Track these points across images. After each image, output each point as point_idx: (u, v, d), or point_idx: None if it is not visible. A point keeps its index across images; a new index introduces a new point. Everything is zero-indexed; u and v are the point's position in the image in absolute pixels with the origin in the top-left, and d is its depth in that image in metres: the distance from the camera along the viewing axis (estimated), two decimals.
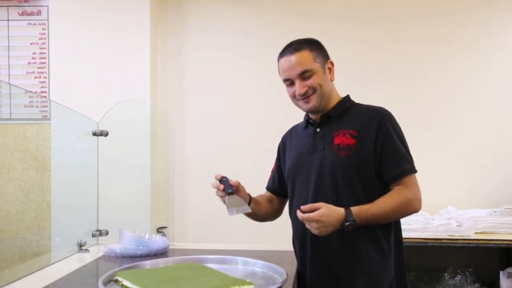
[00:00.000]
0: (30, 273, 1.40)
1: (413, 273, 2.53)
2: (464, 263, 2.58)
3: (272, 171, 1.57)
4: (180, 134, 2.79)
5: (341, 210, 1.19)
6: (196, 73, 2.78)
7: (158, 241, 1.74)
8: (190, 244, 1.98)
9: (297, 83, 1.29)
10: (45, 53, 2.55)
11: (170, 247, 1.82)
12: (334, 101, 1.36)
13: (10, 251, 2.13)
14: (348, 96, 1.42)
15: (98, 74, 2.56)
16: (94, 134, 2.04)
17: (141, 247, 1.68)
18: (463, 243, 2.20)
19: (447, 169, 2.68)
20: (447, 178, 2.66)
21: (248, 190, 1.45)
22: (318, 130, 1.35)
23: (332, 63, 1.37)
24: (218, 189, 1.30)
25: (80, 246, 1.79)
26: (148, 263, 1.34)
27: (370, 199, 1.27)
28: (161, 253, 1.69)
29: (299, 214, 1.19)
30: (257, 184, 1.64)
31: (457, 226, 2.32)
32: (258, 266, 1.30)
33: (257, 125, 2.77)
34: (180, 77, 2.79)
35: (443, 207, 2.59)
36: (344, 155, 1.25)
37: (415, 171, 1.31)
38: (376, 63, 2.73)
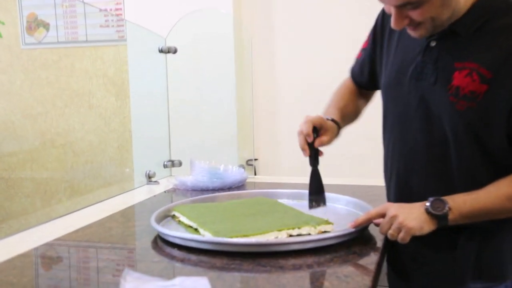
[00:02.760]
0: (88, 206, 1.39)
1: None
2: None
3: (361, 50, 1.20)
4: (268, 55, 2.59)
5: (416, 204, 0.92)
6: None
7: (234, 173, 1.65)
8: (274, 177, 1.89)
9: (393, 13, 0.89)
10: None
11: (250, 179, 1.75)
12: (465, 6, 0.91)
13: (96, 183, 2.16)
14: None
15: None
16: (165, 51, 1.91)
17: (214, 180, 1.60)
18: None
19: None
20: None
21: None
22: (433, 44, 0.95)
23: None
24: (304, 150, 1.04)
25: (149, 178, 1.74)
26: (212, 197, 1.30)
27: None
28: (237, 187, 1.61)
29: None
30: None
31: None
32: (342, 202, 1.20)
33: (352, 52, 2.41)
34: None
35: None
36: (465, 108, 0.89)
37: None
38: None
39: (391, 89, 1.05)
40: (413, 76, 0.97)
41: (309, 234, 0.94)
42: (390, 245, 1.00)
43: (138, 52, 1.90)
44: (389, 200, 1.08)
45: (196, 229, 1.01)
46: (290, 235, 0.94)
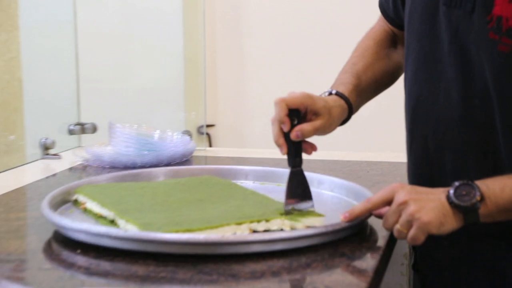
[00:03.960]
0: None
1: None
2: None
3: None
4: None
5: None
6: None
7: (174, 143, 1.63)
8: (234, 149, 1.99)
9: None
10: None
11: (200, 152, 1.76)
12: None
13: None
14: None
15: None
16: None
17: (145, 152, 1.57)
18: None
19: None
20: None
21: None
22: None
23: None
24: (279, 146, 1.02)
25: (46, 149, 1.70)
26: (136, 174, 1.29)
27: None
28: (179, 163, 1.59)
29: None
30: None
31: None
32: (327, 186, 1.21)
33: None
34: None
35: None
36: (510, 50, 0.95)
37: None
38: None
39: (415, 20, 1.08)
40: (443, 1, 1.01)
41: (281, 229, 0.94)
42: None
43: None
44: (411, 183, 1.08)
45: (112, 221, 0.99)
46: (254, 231, 0.93)
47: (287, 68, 2.64)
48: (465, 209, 0.87)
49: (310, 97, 1.02)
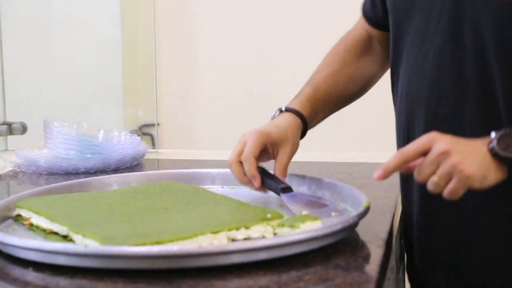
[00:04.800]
0: None
1: None
2: None
3: None
4: None
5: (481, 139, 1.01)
6: None
7: (123, 145, 1.68)
8: (187, 151, 2.04)
9: None
10: None
11: (150, 156, 1.82)
12: None
13: None
14: None
15: None
16: None
17: (88, 155, 1.62)
18: None
19: None
20: None
21: None
22: None
23: None
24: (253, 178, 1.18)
25: None
26: (84, 183, 1.31)
27: None
28: (130, 166, 1.65)
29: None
30: None
31: None
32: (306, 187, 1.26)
33: None
34: None
35: None
36: None
37: None
38: None
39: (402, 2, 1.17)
40: None
41: (263, 237, 0.97)
42: (409, 245, 1.09)
43: None
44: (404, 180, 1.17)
45: (65, 236, 1.01)
46: (233, 240, 0.96)
47: (238, 64, 2.70)
48: (511, 160, 0.96)
49: (264, 134, 1.16)
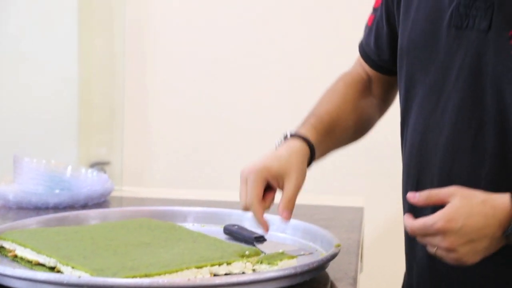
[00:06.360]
0: None
1: None
2: None
3: (373, 12, 1.32)
4: None
5: (501, 203, 0.97)
6: None
7: (91, 181, 1.69)
8: (153, 189, 2.03)
9: None
10: None
11: (116, 193, 1.79)
12: None
13: None
14: None
15: None
16: None
17: (57, 191, 1.62)
18: None
19: None
20: None
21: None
22: None
23: None
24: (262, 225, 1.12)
25: None
26: (65, 218, 1.32)
27: None
28: (97, 203, 1.66)
29: (408, 222, 0.99)
30: None
31: None
32: (276, 228, 1.24)
33: None
34: None
35: None
36: None
37: None
38: None
39: (417, 49, 1.15)
40: (452, 22, 1.08)
41: (243, 272, 1.01)
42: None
43: None
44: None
45: (52, 268, 1.02)
46: (215, 275, 0.99)
47: (195, 100, 2.67)
48: None
49: (264, 170, 1.09)
